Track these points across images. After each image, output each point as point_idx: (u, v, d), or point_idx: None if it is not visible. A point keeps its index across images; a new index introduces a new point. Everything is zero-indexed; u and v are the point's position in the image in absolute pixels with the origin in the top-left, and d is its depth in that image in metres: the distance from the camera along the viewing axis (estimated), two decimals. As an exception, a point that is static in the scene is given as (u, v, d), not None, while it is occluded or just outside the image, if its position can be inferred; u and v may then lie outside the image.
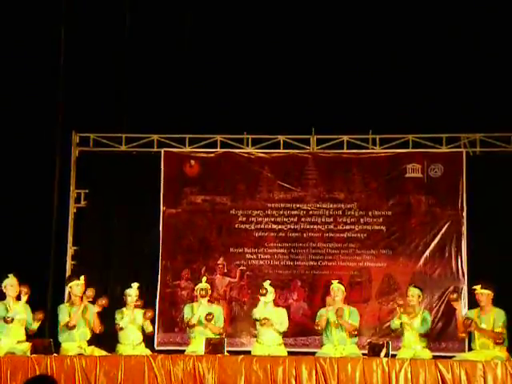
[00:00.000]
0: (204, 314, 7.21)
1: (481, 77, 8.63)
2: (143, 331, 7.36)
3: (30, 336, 6.94)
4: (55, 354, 6.58)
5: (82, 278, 7.14)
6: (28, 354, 6.58)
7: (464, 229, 8.72)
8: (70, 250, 8.97)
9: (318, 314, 7.35)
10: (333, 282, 7.44)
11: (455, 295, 7.18)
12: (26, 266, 7.77)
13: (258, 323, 7.33)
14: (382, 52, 8.82)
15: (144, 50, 8.95)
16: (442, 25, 8.69)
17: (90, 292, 7.07)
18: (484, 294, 6.96)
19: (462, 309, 8.13)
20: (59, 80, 8.97)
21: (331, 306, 7.20)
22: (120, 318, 7.24)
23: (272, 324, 7.21)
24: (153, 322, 7.69)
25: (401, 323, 7.14)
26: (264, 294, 7.25)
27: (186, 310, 7.44)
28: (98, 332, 7.10)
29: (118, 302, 7.51)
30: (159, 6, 9.01)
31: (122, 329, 7.17)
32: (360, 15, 8.83)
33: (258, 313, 7.28)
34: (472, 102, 8.64)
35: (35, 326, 6.94)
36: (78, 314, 6.98)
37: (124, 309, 7.35)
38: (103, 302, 7.02)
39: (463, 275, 8.66)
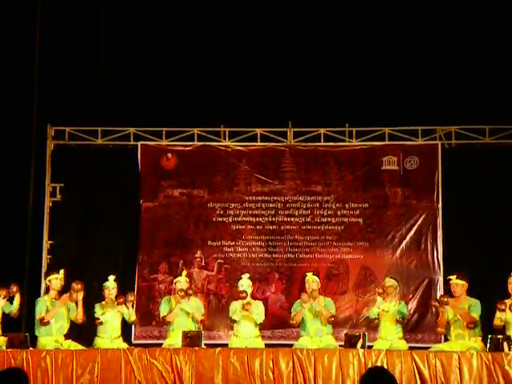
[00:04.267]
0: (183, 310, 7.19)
1: (456, 69, 8.67)
2: (122, 324, 7.30)
3: (6, 329, 6.88)
4: (31, 348, 6.53)
5: (62, 271, 7.10)
6: (3, 348, 6.51)
7: (439, 220, 8.77)
8: (46, 244, 8.90)
9: (293, 307, 7.36)
10: (307, 274, 7.45)
11: (437, 303, 7.16)
12: (1, 261, 7.67)
13: (239, 306, 7.29)
14: (358, 46, 8.82)
15: (120, 42, 8.88)
16: (417, 17, 8.71)
17: (79, 285, 6.99)
18: (459, 284, 7.01)
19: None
20: (34, 73, 8.86)
21: (307, 302, 7.18)
22: (100, 312, 7.19)
23: (251, 311, 7.19)
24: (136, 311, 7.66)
25: (377, 314, 7.16)
26: (244, 298, 7.25)
27: (163, 304, 7.39)
28: (80, 322, 7.04)
29: (96, 296, 7.46)
30: (135, -1, 8.95)
31: (101, 323, 7.13)
32: (336, 7, 8.82)
33: (234, 313, 7.28)
34: (447, 95, 8.69)
35: (15, 308, 6.84)
36: (54, 312, 6.92)
37: (104, 302, 7.30)
38: (78, 285, 6.96)
39: (439, 266, 8.72)
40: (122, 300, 7.18)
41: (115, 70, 8.88)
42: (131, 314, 7.27)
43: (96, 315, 7.20)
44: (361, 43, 8.82)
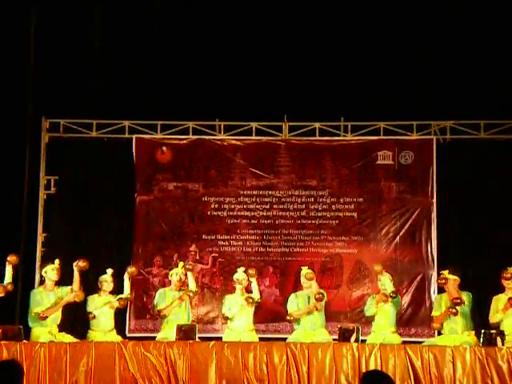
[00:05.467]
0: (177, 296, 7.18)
1: (451, 64, 8.64)
2: (114, 318, 7.30)
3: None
4: (25, 341, 6.52)
5: (57, 261, 7.07)
6: (-2, 340, 6.50)
7: (434, 215, 8.78)
8: (40, 236, 8.88)
9: (289, 301, 7.36)
10: (302, 267, 7.46)
11: (443, 280, 7.11)
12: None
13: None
14: (354, 40, 8.77)
15: (116, 34, 8.80)
16: (412, 12, 8.67)
17: (83, 263, 6.96)
18: (451, 278, 7.01)
19: (432, 294, 8.25)
20: (29, 65, 8.81)
21: (311, 280, 7.20)
22: (93, 305, 7.17)
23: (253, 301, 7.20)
24: (124, 308, 7.69)
25: (374, 311, 7.17)
26: (254, 275, 7.32)
27: (159, 297, 7.38)
28: (78, 300, 7.00)
29: (90, 289, 7.44)
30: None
31: (94, 317, 7.12)
32: (331, 0, 8.79)
33: (227, 310, 7.28)
34: (442, 90, 8.65)
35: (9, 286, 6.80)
36: (53, 309, 6.92)
37: (96, 295, 7.30)
38: (83, 263, 6.92)
39: (433, 261, 8.73)
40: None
41: (111, 62, 8.81)
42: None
43: (89, 309, 7.18)
44: (356, 38, 8.77)
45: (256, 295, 7.31)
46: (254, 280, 7.35)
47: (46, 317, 6.87)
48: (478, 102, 8.60)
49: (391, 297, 7.09)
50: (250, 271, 7.35)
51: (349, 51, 8.78)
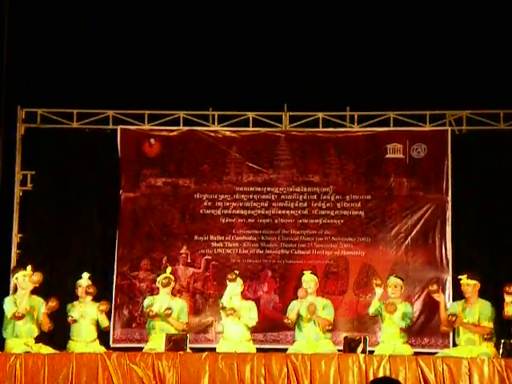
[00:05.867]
0: (164, 308, 7.15)
1: (467, 49, 8.64)
2: (98, 326, 7.32)
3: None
4: (-1, 352, 6.52)
5: (29, 267, 7.06)
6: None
7: (449, 214, 8.77)
8: (16, 237, 8.85)
9: (290, 306, 7.36)
10: (305, 272, 7.45)
11: (435, 286, 7.20)
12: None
13: (223, 313, 7.28)
14: (360, 22, 8.77)
15: (99, 15, 8.79)
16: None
17: (37, 277, 6.96)
18: (470, 284, 7.02)
19: (446, 301, 8.22)
20: (2, 50, 8.78)
21: (303, 298, 7.19)
22: (72, 311, 7.19)
23: (239, 316, 7.18)
24: (108, 316, 7.66)
25: (379, 309, 7.16)
26: (233, 280, 7.21)
27: (146, 302, 7.38)
28: (46, 331, 7.05)
29: (70, 295, 7.44)
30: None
31: (75, 321, 7.12)
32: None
33: (225, 300, 7.23)
34: (458, 77, 8.65)
35: None
36: (25, 302, 6.88)
37: (76, 302, 7.33)
38: (53, 304, 6.94)
39: (447, 264, 8.72)
40: (91, 290, 7.16)
41: (93, 46, 8.79)
42: (102, 321, 7.29)
43: (68, 313, 7.19)
44: (363, 19, 8.77)
45: (249, 320, 7.22)
46: (237, 285, 7.26)
47: (23, 315, 6.83)
48: (496, 89, 8.60)
49: (403, 330, 7.08)
50: (230, 276, 7.28)
51: (355, 34, 8.77)
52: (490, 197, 8.67)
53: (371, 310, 7.27)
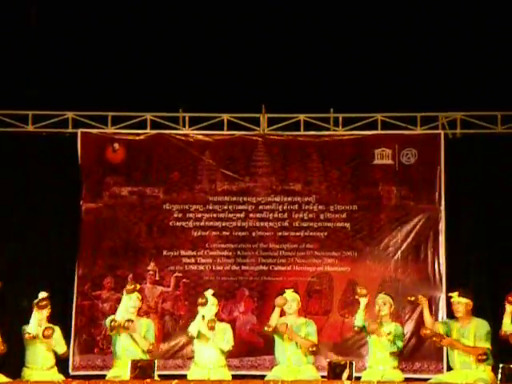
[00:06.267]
0: (125, 316, 7.08)
1: (461, 46, 8.72)
2: (55, 352, 7.25)
3: None
4: None
5: (-20, 287, 7.00)
6: None
7: (442, 225, 8.83)
8: (-36, 252, 8.82)
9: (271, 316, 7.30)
10: (286, 290, 7.43)
11: (413, 298, 7.20)
12: None
13: (195, 341, 7.25)
14: (347, 17, 8.82)
15: (56, 5, 8.75)
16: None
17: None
18: (461, 303, 7.01)
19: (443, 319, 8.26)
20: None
21: (281, 306, 7.16)
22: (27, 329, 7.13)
23: (211, 339, 7.14)
24: (67, 340, 7.60)
25: (364, 326, 7.15)
26: (204, 304, 7.18)
27: (109, 319, 7.30)
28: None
29: (26, 317, 7.34)
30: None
31: (33, 337, 7.03)
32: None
33: (194, 328, 7.19)
34: (452, 76, 8.72)
35: None
36: None
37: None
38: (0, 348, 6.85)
39: (441, 281, 8.77)
40: (50, 333, 7.09)
41: (49, 40, 8.77)
42: (58, 347, 7.21)
43: (24, 332, 7.10)
44: (350, 14, 8.82)
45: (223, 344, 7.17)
46: (208, 310, 7.21)
47: None
48: (493, 89, 8.66)
49: (393, 354, 7.09)
50: (200, 299, 7.18)
51: (340, 30, 8.82)
52: (486, 206, 8.73)
53: (357, 323, 7.24)
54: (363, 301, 7.21)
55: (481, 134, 8.98)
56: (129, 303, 7.21)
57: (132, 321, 7.12)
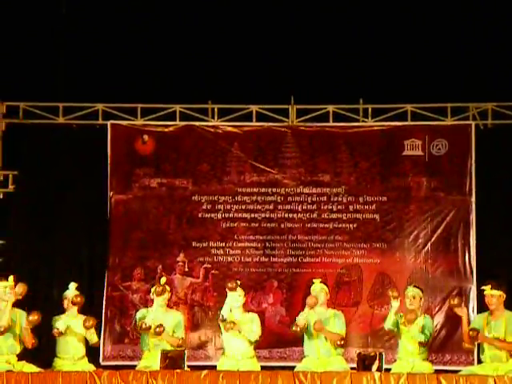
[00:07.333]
0: (157, 322, 7.13)
1: (491, 35, 8.66)
2: (86, 342, 7.32)
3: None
4: (-22, 371, 6.54)
5: (11, 278, 7.07)
6: None
7: (473, 217, 8.78)
8: (-4, 244, 8.92)
9: (299, 315, 7.31)
10: (314, 281, 7.44)
11: (456, 300, 7.18)
12: None
13: (222, 326, 7.26)
14: (375, 6, 8.76)
15: (84, 3, 8.80)
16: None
17: (21, 288, 6.96)
18: (495, 295, 7.00)
19: (470, 314, 8.19)
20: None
21: (312, 307, 7.18)
22: (57, 323, 7.20)
23: (240, 330, 7.16)
24: (98, 331, 7.66)
25: (397, 322, 7.14)
26: (233, 289, 7.19)
27: (139, 315, 7.37)
28: (30, 347, 7.06)
29: (56, 308, 7.44)
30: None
31: (61, 333, 7.11)
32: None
33: (226, 312, 7.22)
34: (482, 66, 8.66)
35: None
36: (7, 316, 6.88)
37: (63, 315, 7.30)
38: (35, 317, 6.93)
39: (471, 273, 8.73)
40: (79, 300, 7.18)
41: (80, 33, 8.83)
42: (91, 337, 7.27)
43: (53, 327, 7.17)
44: (379, 3, 8.76)
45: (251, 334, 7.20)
46: (238, 296, 7.24)
47: (6, 329, 6.82)
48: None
49: (422, 344, 7.06)
50: (230, 284, 7.24)
51: (369, 19, 8.79)
52: (518, 198, 8.68)
53: (387, 325, 7.25)
54: (395, 304, 7.17)
55: (512, 124, 8.94)
56: (159, 303, 7.26)
57: (162, 325, 7.13)
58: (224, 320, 7.21)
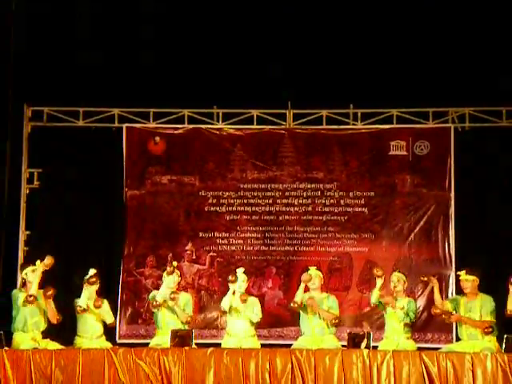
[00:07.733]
0: (168, 294, 7.16)
1: (469, 45, 8.62)
2: (104, 323, 7.33)
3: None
4: (6, 348, 6.53)
5: (38, 262, 7.07)
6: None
7: (452, 211, 8.79)
8: (23, 234, 8.89)
9: (296, 293, 7.33)
10: (309, 267, 7.46)
11: (426, 277, 7.27)
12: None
13: (227, 314, 7.30)
14: (362, 19, 8.75)
15: (104, 14, 8.79)
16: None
17: (48, 260, 6.97)
18: (469, 280, 7.05)
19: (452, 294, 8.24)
20: (9, 49, 8.80)
21: (307, 282, 7.21)
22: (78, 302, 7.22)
23: (246, 299, 7.18)
24: (114, 312, 7.69)
25: (380, 302, 7.18)
26: (233, 282, 7.23)
27: (151, 295, 7.39)
28: (55, 322, 7.06)
29: (76, 292, 7.44)
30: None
31: (84, 310, 7.11)
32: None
33: (226, 303, 7.25)
34: (461, 74, 8.64)
35: None
36: (35, 285, 6.86)
37: (83, 296, 7.28)
38: (49, 292, 6.94)
39: (450, 261, 8.75)
40: (100, 303, 7.18)
41: (98, 44, 8.79)
42: (106, 316, 7.27)
43: (76, 305, 7.18)
44: (366, 17, 8.75)
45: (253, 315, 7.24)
46: (238, 285, 7.24)
47: (35, 297, 6.81)
48: (499, 86, 8.57)
49: (407, 325, 7.13)
50: (230, 277, 7.26)
51: (358, 32, 8.75)
52: (492, 193, 8.67)
53: (372, 300, 7.27)
54: (379, 281, 7.21)
55: (487, 127, 8.89)
56: (170, 281, 7.29)
57: (177, 293, 7.19)
58: (225, 312, 7.25)
